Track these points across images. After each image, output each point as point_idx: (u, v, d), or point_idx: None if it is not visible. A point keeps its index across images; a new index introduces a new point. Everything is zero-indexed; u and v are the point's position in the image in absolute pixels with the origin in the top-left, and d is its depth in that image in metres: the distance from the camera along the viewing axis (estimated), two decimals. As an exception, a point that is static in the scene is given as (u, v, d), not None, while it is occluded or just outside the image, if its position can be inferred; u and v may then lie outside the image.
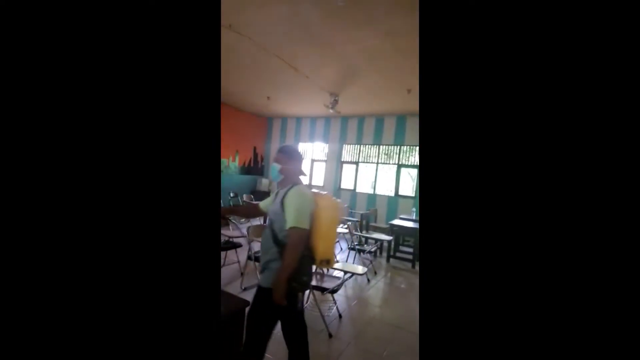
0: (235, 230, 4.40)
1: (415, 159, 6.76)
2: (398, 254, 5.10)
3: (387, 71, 4.21)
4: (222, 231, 3.99)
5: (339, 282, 2.72)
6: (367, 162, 7.39)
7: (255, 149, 8.60)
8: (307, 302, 2.84)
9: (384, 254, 5.07)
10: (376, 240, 4.84)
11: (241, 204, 6.72)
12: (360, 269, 3.16)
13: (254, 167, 8.56)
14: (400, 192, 6.85)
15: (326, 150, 7.96)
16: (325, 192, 1.63)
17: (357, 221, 5.60)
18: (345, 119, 7.56)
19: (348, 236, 4.85)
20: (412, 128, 6.67)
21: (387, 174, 7.20)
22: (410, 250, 5.12)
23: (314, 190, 1.61)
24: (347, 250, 4.68)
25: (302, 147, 8.34)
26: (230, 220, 4.45)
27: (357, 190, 7.43)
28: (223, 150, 7.41)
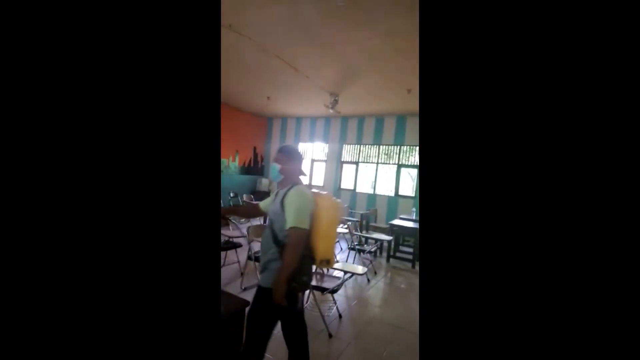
0: (235, 230, 4.40)
1: (415, 159, 6.76)
2: (398, 254, 5.10)
3: (387, 71, 4.21)
4: (222, 231, 3.99)
5: (339, 282, 2.72)
6: (367, 162, 7.39)
7: (255, 149, 8.60)
8: (307, 302, 2.84)
9: (384, 254, 5.07)
10: (376, 240, 4.84)
11: (241, 204, 6.72)
12: (360, 269, 3.16)
13: (254, 167, 8.56)
14: (400, 192, 6.85)
15: (326, 150, 7.96)
16: (325, 192, 1.63)
17: (357, 221, 5.60)
18: (345, 119, 7.56)
19: (348, 236, 4.85)
20: (412, 128, 6.67)
21: (387, 174, 7.20)
22: (410, 250, 5.12)
23: (314, 190, 1.61)
24: (347, 250, 4.68)
25: (302, 147, 8.34)
26: (230, 220, 4.45)
27: (357, 190, 7.43)
28: (223, 151, 7.41)
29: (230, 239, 3.75)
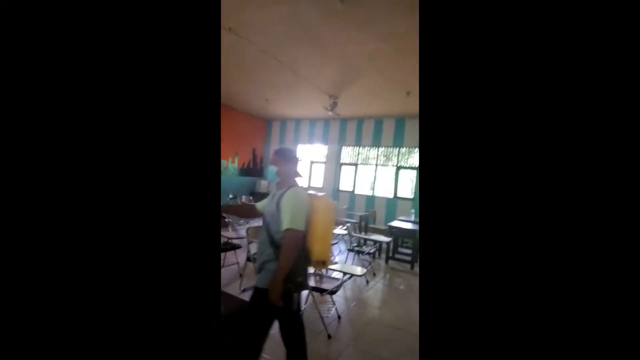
0: (235, 231, 4.39)
1: (413, 160, 6.77)
2: (397, 256, 5.10)
3: (386, 72, 4.22)
4: (222, 232, 3.98)
5: (338, 283, 2.72)
6: (366, 164, 7.40)
7: (254, 150, 8.60)
8: (306, 303, 2.84)
9: (383, 256, 5.07)
10: (375, 241, 4.84)
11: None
12: (359, 270, 3.16)
13: (253, 169, 8.56)
14: (399, 194, 6.86)
15: (325, 152, 7.97)
16: (321, 194, 1.64)
17: (356, 223, 5.60)
18: (344, 121, 7.57)
19: (347, 237, 4.84)
20: (411, 130, 6.69)
21: (386, 176, 7.21)
22: (409, 251, 5.12)
23: (310, 192, 1.62)
24: (346, 252, 4.68)
25: (301, 148, 8.34)
26: (229, 221, 4.44)
27: (356, 191, 7.43)
28: (222, 152, 7.40)
29: (230, 240, 3.75)
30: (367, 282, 3.91)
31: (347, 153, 7.66)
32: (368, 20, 2.94)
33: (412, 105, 5.55)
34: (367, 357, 2.28)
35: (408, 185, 6.94)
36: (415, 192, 6.64)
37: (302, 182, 1.64)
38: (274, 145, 8.69)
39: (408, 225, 5.01)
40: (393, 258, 5.02)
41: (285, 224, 1.44)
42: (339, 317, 2.83)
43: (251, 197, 7.21)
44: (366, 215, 5.63)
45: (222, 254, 3.74)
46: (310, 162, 8.26)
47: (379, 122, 7.10)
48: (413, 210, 6.14)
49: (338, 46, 3.59)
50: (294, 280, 1.45)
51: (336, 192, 7.61)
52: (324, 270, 2.92)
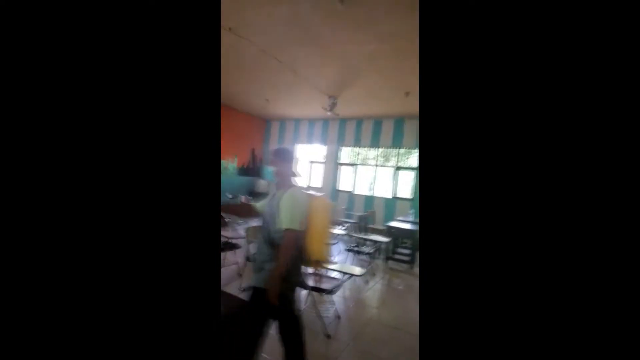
0: (234, 231, 4.39)
1: (412, 161, 6.78)
2: (395, 256, 5.10)
3: (386, 72, 4.22)
4: (221, 232, 3.98)
5: (337, 283, 2.72)
6: (365, 165, 7.40)
7: (253, 150, 8.59)
8: (305, 303, 2.84)
9: (382, 256, 5.07)
10: (374, 241, 4.84)
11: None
12: (358, 270, 3.16)
13: (252, 169, 8.55)
14: (398, 194, 6.86)
15: (324, 152, 7.97)
16: (319, 194, 1.66)
17: (355, 223, 5.60)
18: (343, 122, 7.57)
19: (346, 238, 4.85)
20: (410, 131, 6.69)
21: (385, 176, 7.21)
22: (408, 252, 5.12)
23: (309, 192, 1.64)
24: (346, 252, 4.68)
25: (301, 148, 8.34)
26: (228, 221, 4.44)
27: (355, 192, 7.43)
28: (222, 152, 7.39)
29: (229, 240, 3.74)
30: (367, 282, 3.91)
31: (346, 153, 7.66)
32: (368, 21, 2.94)
33: (411, 105, 5.56)
34: (366, 357, 2.28)
35: (407, 186, 6.95)
36: (414, 193, 6.65)
37: (300, 182, 1.65)
38: (273, 145, 8.69)
39: (407, 226, 5.02)
40: (392, 258, 5.02)
41: (284, 224, 1.45)
42: (338, 317, 2.83)
43: (250, 197, 7.24)
44: (365, 216, 5.63)
45: (222, 254, 3.74)
46: (309, 162, 8.26)
47: (378, 123, 7.11)
48: (412, 211, 6.14)
49: (338, 46, 3.59)
50: (292, 279, 1.47)
51: (335, 193, 7.61)
52: (323, 270, 2.93)
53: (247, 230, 3.07)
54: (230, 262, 3.86)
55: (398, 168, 6.90)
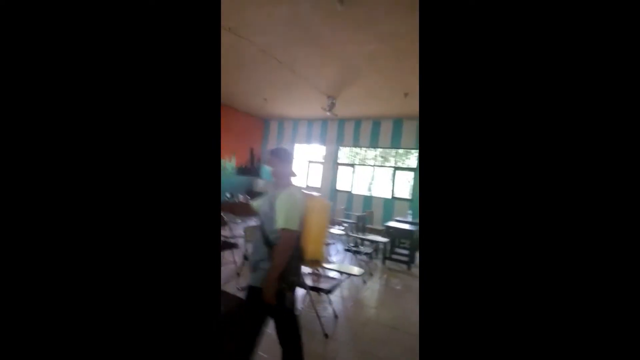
0: (232, 230, 4.39)
1: (411, 162, 6.79)
2: (394, 256, 5.11)
3: (385, 72, 4.23)
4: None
5: (335, 283, 2.72)
6: (363, 165, 7.41)
7: (252, 150, 8.59)
8: (304, 303, 2.84)
9: (380, 256, 5.08)
10: (372, 241, 4.85)
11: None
12: (356, 270, 3.16)
13: (251, 168, 8.55)
14: (396, 195, 6.87)
15: (323, 152, 7.97)
16: (316, 194, 1.66)
17: (353, 223, 5.61)
18: (342, 122, 7.57)
19: (344, 238, 4.85)
20: (409, 131, 6.70)
21: (384, 177, 7.22)
22: (406, 252, 5.13)
23: (305, 192, 1.64)
24: (344, 252, 4.68)
25: (299, 148, 8.34)
26: (226, 220, 4.44)
27: (354, 192, 7.44)
28: (221, 151, 7.38)
29: (227, 240, 3.74)
30: (364, 282, 3.92)
31: (345, 153, 7.67)
32: (368, 21, 2.95)
33: (410, 106, 5.57)
34: (365, 357, 2.28)
35: (405, 186, 6.96)
36: (412, 193, 6.66)
37: (297, 181, 1.65)
38: (272, 145, 8.69)
39: (405, 226, 5.03)
40: (390, 258, 5.03)
41: (280, 224, 1.46)
42: (336, 316, 2.84)
43: (248, 197, 7.24)
44: (363, 216, 5.64)
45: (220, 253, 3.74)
46: (308, 162, 8.27)
47: (376, 123, 7.12)
48: (410, 211, 6.16)
49: (338, 46, 3.60)
50: (288, 279, 1.47)
51: (334, 192, 7.62)
52: (321, 270, 2.93)
53: (246, 229, 3.07)
54: (228, 261, 3.86)
55: (396, 168, 6.91)
